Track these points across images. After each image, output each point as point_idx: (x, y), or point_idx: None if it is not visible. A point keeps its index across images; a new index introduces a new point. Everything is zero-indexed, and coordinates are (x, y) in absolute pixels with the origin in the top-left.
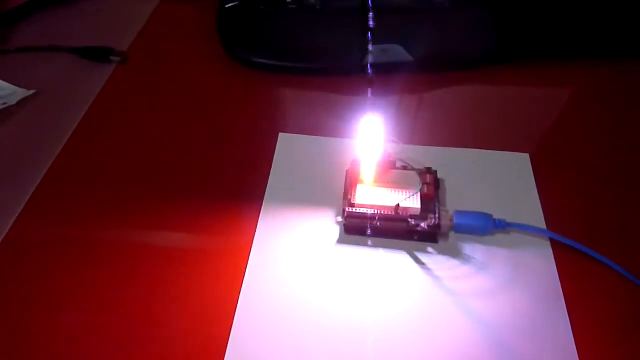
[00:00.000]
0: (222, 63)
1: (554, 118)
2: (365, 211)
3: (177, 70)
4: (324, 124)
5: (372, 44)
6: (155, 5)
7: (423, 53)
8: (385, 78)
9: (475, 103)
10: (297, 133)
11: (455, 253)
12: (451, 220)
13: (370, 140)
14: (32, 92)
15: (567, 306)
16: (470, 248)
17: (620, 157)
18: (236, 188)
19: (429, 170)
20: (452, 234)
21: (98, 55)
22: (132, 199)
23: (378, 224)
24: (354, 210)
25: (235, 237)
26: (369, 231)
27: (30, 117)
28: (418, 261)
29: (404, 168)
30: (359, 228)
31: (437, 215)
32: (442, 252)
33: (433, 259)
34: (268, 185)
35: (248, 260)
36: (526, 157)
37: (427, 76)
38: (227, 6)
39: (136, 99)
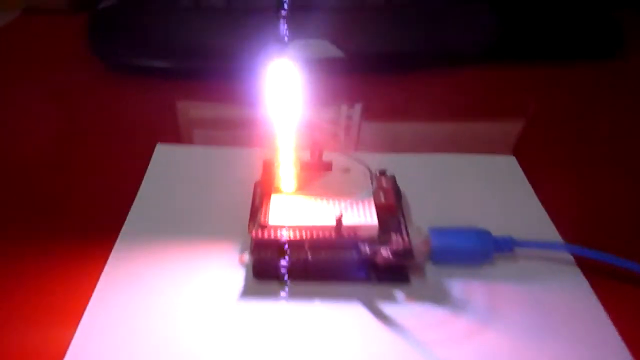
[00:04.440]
0: (95, 71)
1: (526, 117)
2: (285, 235)
3: (43, 81)
4: (219, 133)
5: (292, 38)
6: (15, 16)
7: (362, 50)
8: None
9: (430, 105)
10: (181, 143)
11: (440, 298)
12: (427, 242)
13: (289, 123)
14: None
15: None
16: (463, 287)
17: (609, 149)
18: (84, 222)
19: (383, 173)
20: (429, 267)
21: None
22: None
23: (309, 255)
24: (267, 236)
25: (72, 294)
26: (286, 273)
27: None
28: (380, 317)
29: (345, 171)
30: (277, 267)
31: (405, 235)
32: (418, 297)
33: (404, 311)
34: (130, 214)
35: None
36: (511, 159)
37: (368, 76)
38: (100, 7)
39: None
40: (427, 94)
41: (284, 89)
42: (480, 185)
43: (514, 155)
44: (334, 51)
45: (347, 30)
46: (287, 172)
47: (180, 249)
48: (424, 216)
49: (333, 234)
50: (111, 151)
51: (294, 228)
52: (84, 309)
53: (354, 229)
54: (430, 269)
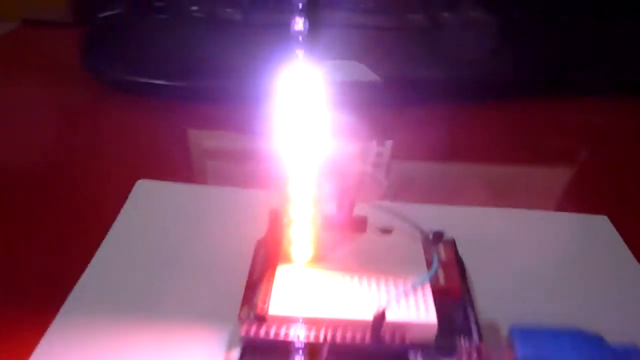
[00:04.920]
0: (91, 88)
1: (613, 164)
2: (293, 333)
3: (34, 95)
4: (218, 168)
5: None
6: (14, 26)
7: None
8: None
9: (489, 144)
10: (168, 180)
11: None
12: (509, 351)
13: (309, 155)
14: None
15: None
16: None
17: None
18: (27, 285)
19: (439, 236)
20: None
21: None
22: None
23: None
24: (265, 334)
25: None
26: None
27: None
28: None
29: (386, 232)
30: None
31: (477, 340)
32: None
33: None
34: (82, 276)
35: None
36: (603, 219)
37: (412, 105)
38: (102, 15)
39: None
40: (485, 130)
41: (305, 117)
42: (570, 256)
43: (604, 213)
44: (369, 75)
45: (385, 52)
46: (301, 232)
47: (138, 335)
48: (497, 304)
49: (368, 335)
50: (90, 184)
51: (307, 322)
52: None
53: (400, 328)
54: None
